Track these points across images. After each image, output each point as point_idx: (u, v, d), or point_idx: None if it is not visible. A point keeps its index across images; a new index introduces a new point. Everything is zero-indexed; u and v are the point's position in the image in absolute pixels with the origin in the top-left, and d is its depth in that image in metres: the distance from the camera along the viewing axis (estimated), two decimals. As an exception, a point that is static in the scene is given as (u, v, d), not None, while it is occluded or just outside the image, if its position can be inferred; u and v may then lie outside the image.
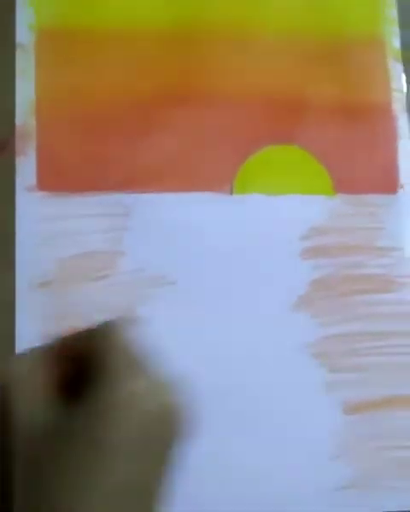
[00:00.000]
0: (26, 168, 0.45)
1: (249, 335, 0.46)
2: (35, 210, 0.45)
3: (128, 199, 0.46)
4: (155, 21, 0.48)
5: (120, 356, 0.30)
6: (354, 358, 0.46)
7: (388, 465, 0.45)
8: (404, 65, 0.51)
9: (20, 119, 0.46)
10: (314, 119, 0.49)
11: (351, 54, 0.50)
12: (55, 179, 0.45)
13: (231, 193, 0.47)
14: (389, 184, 0.49)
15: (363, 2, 0.51)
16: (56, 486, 0.27)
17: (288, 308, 0.46)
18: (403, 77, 0.51)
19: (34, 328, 0.44)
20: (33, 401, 0.29)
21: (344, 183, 0.49)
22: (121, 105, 0.47)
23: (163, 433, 0.29)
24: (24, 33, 0.46)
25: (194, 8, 0.49)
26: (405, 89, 0.51)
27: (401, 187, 0.49)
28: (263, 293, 0.46)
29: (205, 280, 0.46)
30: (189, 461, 0.42)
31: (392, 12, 0.52)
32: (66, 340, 0.33)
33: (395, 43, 0.51)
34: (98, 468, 0.27)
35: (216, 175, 0.47)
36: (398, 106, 0.50)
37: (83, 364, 0.31)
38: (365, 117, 0.50)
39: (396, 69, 0.51)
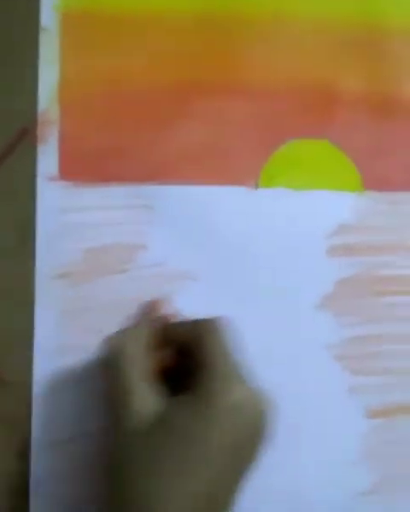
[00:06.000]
0: (47, 157, 0.44)
1: (271, 335, 0.45)
2: (56, 200, 0.44)
3: (152, 191, 0.45)
4: (182, 9, 0.46)
5: (225, 359, 0.31)
6: (378, 362, 0.45)
7: (411, 472, 0.44)
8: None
9: (42, 105, 0.44)
10: (345, 113, 0.47)
11: (386, 46, 0.48)
12: (77, 169, 0.44)
13: (257, 187, 0.46)
14: (420, 182, 0.48)
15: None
16: (146, 472, 0.29)
17: (312, 308, 0.45)
18: (438, 72, 0.49)
19: (53, 320, 0.43)
20: (142, 388, 0.31)
21: (374, 180, 0.47)
22: (147, 93, 0.46)
23: (254, 440, 0.32)
24: (48, 16, 0.45)
25: (224, -5, 0.47)
26: (439, 84, 0.49)
27: (433, 185, 0.48)
28: (286, 291, 0.45)
29: (227, 275, 0.45)
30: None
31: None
32: (170, 326, 0.34)
33: (432, 37, 0.49)
34: (190, 463, 0.29)
35: (242, 168, 0.46)
36: (432, 102, 0.49)
37: (183, 354, 0.32)
38: (397, 112, 0.48)
39: (431, 64, 0.49)
